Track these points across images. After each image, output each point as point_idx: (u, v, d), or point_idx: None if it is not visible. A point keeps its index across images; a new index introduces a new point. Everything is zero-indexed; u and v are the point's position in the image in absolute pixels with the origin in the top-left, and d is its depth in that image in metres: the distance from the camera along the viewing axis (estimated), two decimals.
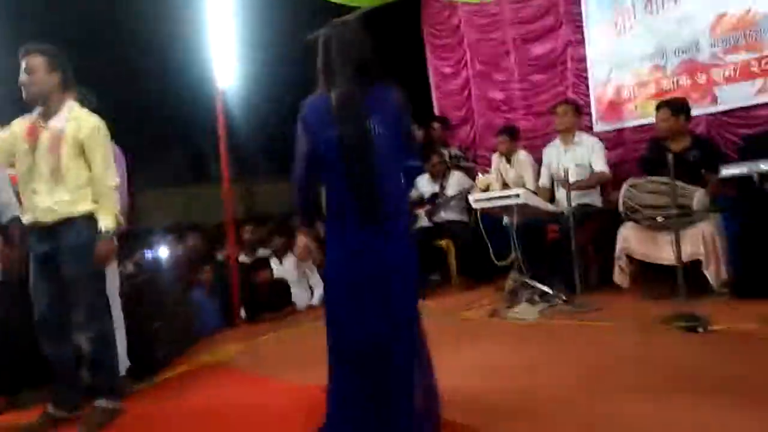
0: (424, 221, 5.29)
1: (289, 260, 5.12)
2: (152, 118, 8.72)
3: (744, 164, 3.02)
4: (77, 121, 2.54)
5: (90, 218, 2.53)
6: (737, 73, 4.16)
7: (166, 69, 7.00)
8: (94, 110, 2.67)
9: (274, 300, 4.66)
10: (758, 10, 4.03)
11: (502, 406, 2.20)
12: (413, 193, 5.40)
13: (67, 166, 2.50)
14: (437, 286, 5.04)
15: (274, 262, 4.99)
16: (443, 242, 5.07)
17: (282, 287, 4.72)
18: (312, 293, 5.11)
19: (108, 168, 2.57)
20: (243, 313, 4.61)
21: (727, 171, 3.03)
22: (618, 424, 1.93)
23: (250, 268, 4.78)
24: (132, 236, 4.43)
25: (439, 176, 5.30)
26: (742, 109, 4.17)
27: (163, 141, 10.49)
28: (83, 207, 2.52)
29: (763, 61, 4.04)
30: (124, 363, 2.90)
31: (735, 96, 4.17)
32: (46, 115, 2.55)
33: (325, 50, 2.02)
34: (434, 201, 5.26)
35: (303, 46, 7.21)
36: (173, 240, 4.96)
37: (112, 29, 6.52)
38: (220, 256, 5.01)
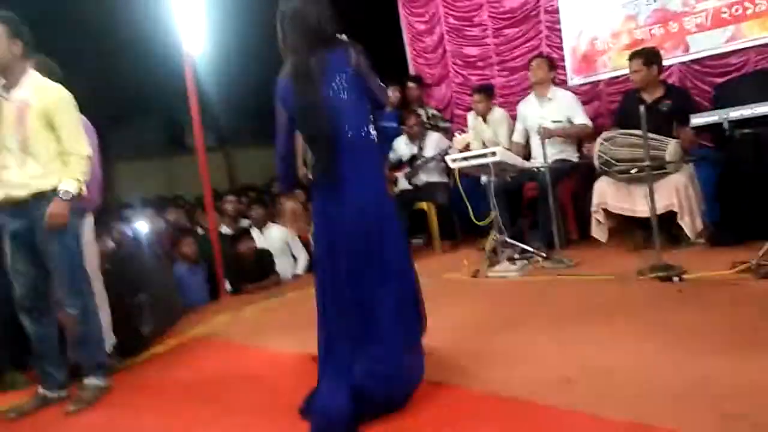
0: (404, 184, 5.29)
1: (271, 230, 5.12)
2: (123, 88, 8.53)
3: (714, 113, 3.05)
4: (42, 91, 2.47)
5: (49, 194, 2.47)
6: (708, 20, 4.15)
7: (135, 39, 6.82)
8: (60, 81, 2.60)
9: (258, 271, 4.67)
10: None
11: (480, 360, 2.26)
12: (392, 156, 5.40)
13: (35, 138, 2.44)
14: (420, 249, 5.10)
15: (255, 233, 4.98)
16: (424, 204, 5.10)
17: (266, 257, 4.73)
18: (296, 262, 5.14)
19: (78, 138, 2.51)
20: (227, 285, 4.64)
21: (697, 120, 3.05)
22: (592, 371, 2.00)
23: (233, 239, 4.78)
24: (110, 211, 4.38)
25: (417, 137, 5.28)
26: (713, 57, 4.18)
27: (136, 112, 10.29)
28: (55, 181, 2.46)
29: (733, 8, 4.03)
30: (109, 339, 2.92)
31: (706, 44, 4.18)
32: (8, 86, 2.48)
33: (281, 26, 2.10)
34: (413, 163, 5.25)
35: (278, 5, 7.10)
36: (153, 214, 4.92)
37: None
38: (201, 229, 4.99)
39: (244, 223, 5.28)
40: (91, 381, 2.55)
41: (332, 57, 2.04)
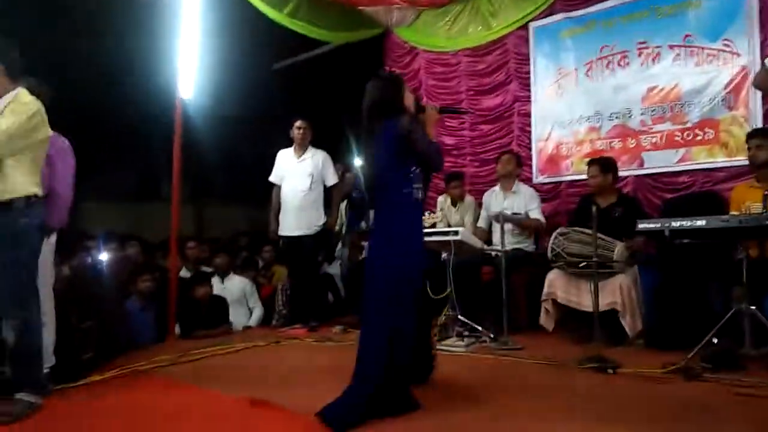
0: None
1: (232, 279, 5.15)
2: (107, 127, 8.64)
3: (657, 221, 3.32)
4: (11, 100, 2.53)
5: (8, 205, 2.52)
6: (663, 141, 4.56)
7: (127, 75, 6.99)
8: (51, 100, 2.71)
9: (210, 317, 4.66)
10: (684, 86, 4.47)
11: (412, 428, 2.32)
12: (362, 225, 5.57)
13: None
14: None
15: (215, 280, 5.01)
16: None
17: (220, 305, 4.73)
18: (251, 314, 5.14)
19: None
20: (177, 328, 4.59)
21: (642, 225, 3.31)
22: None
23: (190, 282, 4.78)
24: (72, 238, 4.38)
25: None
26: (665, 174, 4.56)
27: (115, 153, 10.36)
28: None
29: (685, 133, 4.46)
30: (49, 360, 2.88)
31: (659, 161, 4.57)
32: None
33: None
34: None
35: (271, 71, 7.44)
36: (115, 247, 4.92)
37: (74, 28, 6.52)
38: (160, 268, 4.99)
39: (205, 269, 5.30)
40: (22, 396, 2.50)
41: (387, 123, 2.49)
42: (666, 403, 2.55)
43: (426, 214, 5.17)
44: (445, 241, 4.16)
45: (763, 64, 2.16)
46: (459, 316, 4.10)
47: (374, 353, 2.43)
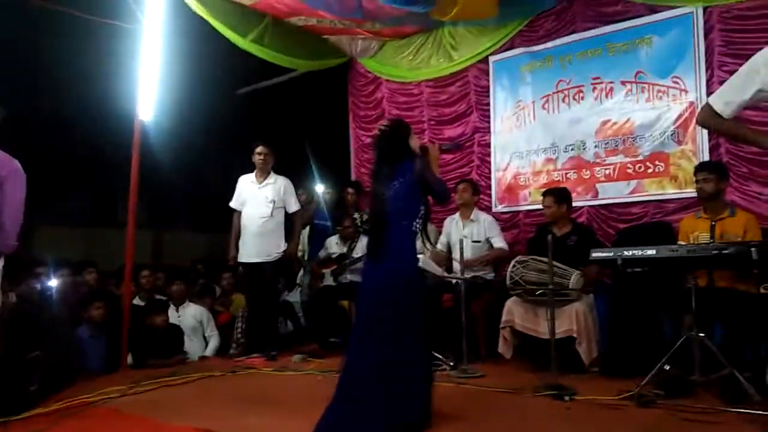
0: (329, 280, 5.40)
1: (188, 308, 5.03)
2: (63, 149, 8.42)
3: (610, 250, 3.42)
4: None
5: None
6: (616, 173, 4.73)
7: (86, 99, 6.87)
8: (3, 120, 2.65)
9: (165, 346, 4.52)
10: (636, 120, 4.66)
11: None
12: (321, 253, 5.55)
13: None
14: (336, 347, 5.10)
15: (171, 309, 4.88)
16: (345, 303, 5.19)
17: (175, 334, 4.61)
18: (207, 344, 5.02)
19: None
20: (129, 358, 4.44)
21: (595, 254, 3.40)
22: None
23: (145, 310, 4.66)
24: (21, 265, 4.22)
25: (349, 239, 5.47)
26: (618, 204, 4.71)
27: (70, 177, 10.08)
28: None
29: (637, 165, 4.63)
30: None
31: (613, 193, 4.72)
32: None
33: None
34: (341, 262, 5.40)
35: (234, 96, 7.43)
36: (66, 274, 4.76)
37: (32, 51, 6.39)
38: (113, 296, 4.84)
39: (162, 298, 5.17)
40: None
41: (399, 166, 2.75)
42: (620, 430, 2.60)
43: None
44: None
45: (706, 102, 2.26)
46: None
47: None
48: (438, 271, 4.30)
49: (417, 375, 2.62)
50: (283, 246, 4.93)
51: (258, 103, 6.92)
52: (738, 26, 4.23)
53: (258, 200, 4.91)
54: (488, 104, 5.52)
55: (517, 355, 4.10)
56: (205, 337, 5.01)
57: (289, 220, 5.06)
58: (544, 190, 4.45)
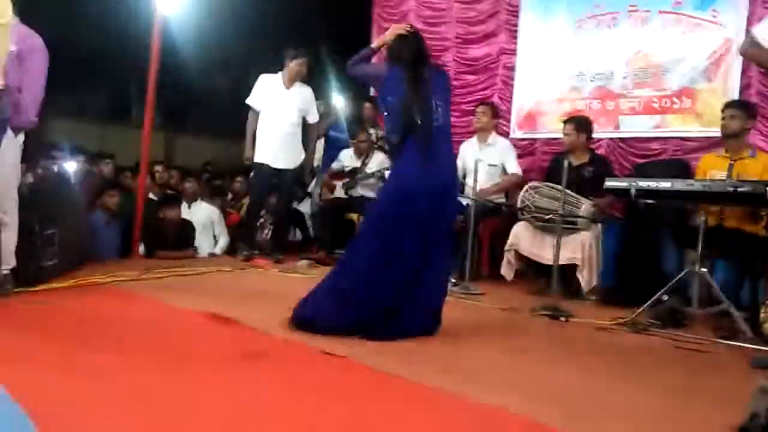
0: (340, 193, 5.44)
1: (200, 206, 5.11)
2: (80, 43, 8.29)
3: (624, 180, 3.40)
4: None
5: None
6: (641, 106, 4.61)
7: None
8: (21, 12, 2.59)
9: (177, 240, 4.64)
10: (668, 53, 4.49)
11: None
12: (335, 165, 5.55)
13: None
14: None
15: (183, 206, 4.96)
16: (354, 216, 5.25)
17: (188, 229, 4.72)
18: (216, 242, 5.13)
19: None
20: (141, 248, 4.57)
21: (610, 183, 3.38)
22: (465, 367, 2.17)
23: (159, 203, 4.74)
24: (39, 146, 4.27)
25: (363, 153, 5.46)
26: (638, 139, 4.63)
27: (87, 72, 9.98)
28: None
29: (663, 100, 4.51)
30: (9, 261, 2.85)
31: (635, 126, 4.63)
32: None
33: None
34: (354, 175, 5.41)
35: None
36: (83, 161, 4.82)
37: None
38: (128, 188, 4.93)
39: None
40: None
41: (436, 75, 2.75)
42: (611, 348, 2.69)
43: None
44: None
45: (750, 32, 2.18)
46: None
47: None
48: None
49: (442, 281, 2.74)
50: (302, 155, 4.92)
51: (284, 6, 6.68)
52: None
53: (288, 105, 4.82)
54: (517, 25, 5.33)
55: (519, 279, 4.18)
56: (215, 236, 5.12)
57: (306, 129, 5.02)
58: (565, 118, 4.36)
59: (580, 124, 4.18)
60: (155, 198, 5.00)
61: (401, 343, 2.46)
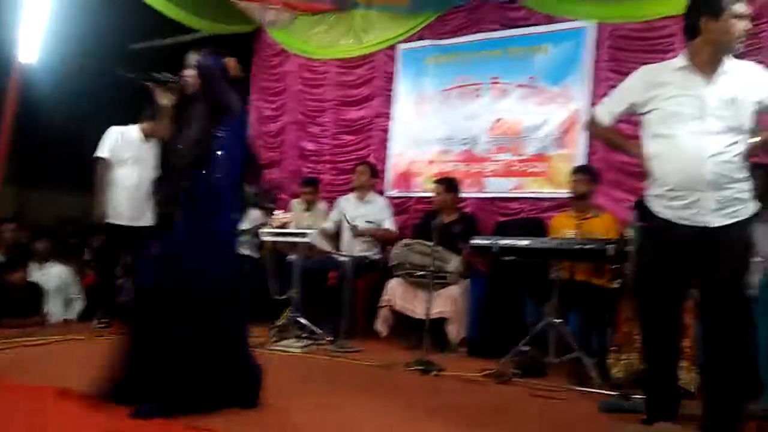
0: None
1: (52, 268, 4.69)
2: None
3: (487, 238, 3.64)
4: None
5: None
6: (502, 169, 4.99)
7: None
8: None
9: (24, 306, 4.20)
10: (525, 122, 4.93)
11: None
12: None
13: None
14: None
15: (34, 267, 4.53)
16: None
17: (34, 293, 4.29)
18: (70, 306, 4.71)
19: None
20: None
21: (475, 241, 3.60)
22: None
23: (4, 266, 4.29)
24: None
25: None
26: (500, 199, 4.98)
27: None
28: None
29: (521, 164, 4.91)
30: None
31: (497, 187, 4.99)
32: None
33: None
34: None
35: (127, 51, 6.94)
36: None
37: None
38: None
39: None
40: None
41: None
42: (478, 402, 2.78)
43: (277, 212, 5.15)
44: (294, 243, 4.19)
45: (593, 111, 2.53)
46: (298, 318, 4.11)
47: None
48: (326, 248, 4.36)
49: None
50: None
51: (153, 61, 6.51)
52: (623, 45, 4.61)
53: (148, 161, 4.58)
54: (391, 90, 5.61)
55: (393, 335, 4.23)
56: (68, 299, 4.69)
57: None
58: (435, 179, 4.60)
59: (449, 184, 4.44)
60: (2, 260, 4.52)
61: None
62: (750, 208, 2.25)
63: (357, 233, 4.42)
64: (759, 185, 3.17)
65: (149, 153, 4.61)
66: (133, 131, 4.55)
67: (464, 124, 5.19)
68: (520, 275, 3.90)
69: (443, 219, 4.34)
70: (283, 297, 4.28)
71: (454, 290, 4.02)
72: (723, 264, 2.22)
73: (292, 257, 4.47)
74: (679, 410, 2.30)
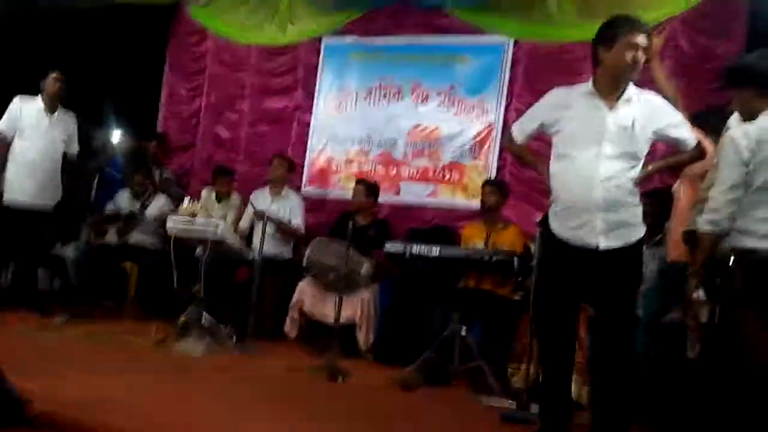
0: (112, 238, 4.95)
1: None
2: None
3: (400, 244, 3.70)
4: None
5: None
6: (418, 174, 5.06)
7: None
8: None
9: None
10: (443, 129, 5.02)
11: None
12: (109, 207, 5.06)
13: None
14: (112, 309, 4.72)
15: None
16: (128, 264, 4.82)
17: None
18: None
19: None
20: None
21: (388, 246, 3.64)
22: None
23: None
24: None
25: (142, 195, 5.08)
26: (416, 205, 5.05)
27: None
28: None
29: (437, 171, 5.01)
30: None
31: (413, 193, 5.05)
32: None
33: None
34: (129, 220, 4.98)
35: (32, 9, 6.28)
36: None
37: None
38: None
39: None
40: None
41: None
42: (382, 409, 2.82)
43: (186, 200, 4.91)
44: (203, 236, 4.02)
45: (510, 128, 2.65)
46: (204, 315, 3.96)
47: None
48: (237, 243, 4.23)
49: None
50: (60, 192, 4.38)
51: (60, 24, 5.96)
52: (538, 64, 4.79)
53: (48, 135, 4.28)
54: (315, 84, 5.51)
55: (301, 338, 4.19)
56: None
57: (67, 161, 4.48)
58: (357, 178, 4.60)
59: (370, 188, 4.45)
60: None
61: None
62: (639, 232, 2.42)
63: (259, 216, 4.29)
64: (651, 211, 3.47)
65: (52, 127, 4.29)
66: (36, 103, 4.24)
67: (384, 125, 5.20)
68: (429, 282, 3.98)
69: (359, 221, 4.35)
70: (187, 293, 4.10)
71: (364, 295, 4.04)
72: (612, 286, 2.39)
73: (199, 250, 4.30)
74: (571, 422, 2.45)
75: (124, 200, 5.04)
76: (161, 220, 4.76)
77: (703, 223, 2.29)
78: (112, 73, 5.55)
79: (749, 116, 2.33)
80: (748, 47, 3.98)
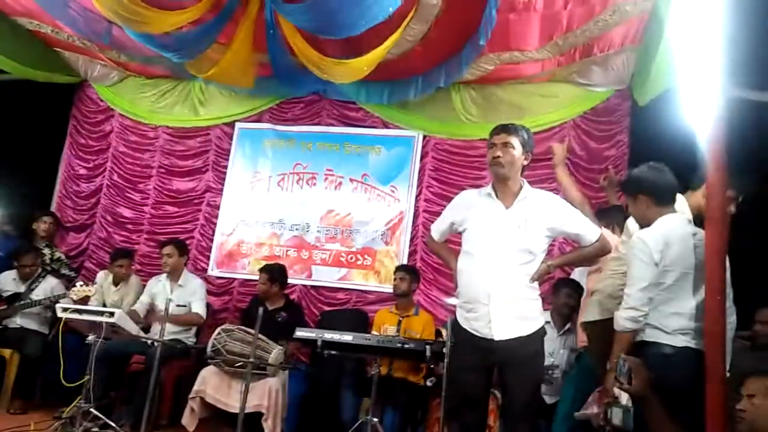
0: None
1: None
2: None
3: (312, 331, 3.60)
4: None
5: None
6: (330, 258, 5.08)
7: None
8: None
9: None
10: (355, 216, 5.13)
11: None
12: None
13: None
14: None
15: None
16: (7, 352, 4.34)
17: None
18: None
19: None
20: None
21: (299, 333, 3.53)
22: None
23: None
24: None
25: (29, 277, 4.67)
26: (327, 288, 5.03)
27: None
28: None
29: (349, 255, 5.05)
30: None
31: (325, 276, 5.04)
32: None
33: None
34: (13, 302, 4.53)
35: None
36: None
37: None
38: None
39: None
40: None
41: None
42: None
43: (78, 284, 4.56)
44: (96, 321, 3.71)
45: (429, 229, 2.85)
46: (92, 409, 3.60)
47: None
48: (133, 330, 3.94)
49: None
50: None
51: None
52: (445, 158, 5.08)
53: None
54: (226, 167, 5.48)
55: (203, 427, 3.89)
56: None
57: None
58: (261, 266, 4.49)
59: (273, 274, 4.29)
60: None
61: None
62: (536, 324, 2.55)
63: (160, 320, 4.05)
64: (566, 303, 3.68)
65: None
66: None
67: (297, 210, 5.23)
68: (341, 369, 3.90)
69: (267, 306, 4.23)
70: (76, 384, 3.73)
71: (272, 382, 3.86)
72: (512, 375, 2.49)
73: (91, 337, 3.96)
74: None
75: (8, 282, 4.62)
76: (50, 304, 4.39)
77: (624, 320, 2.35)
78: (6, 150, 5.24)
79: (644, 223, 2.52)
80: (631, 152, 4.54)
